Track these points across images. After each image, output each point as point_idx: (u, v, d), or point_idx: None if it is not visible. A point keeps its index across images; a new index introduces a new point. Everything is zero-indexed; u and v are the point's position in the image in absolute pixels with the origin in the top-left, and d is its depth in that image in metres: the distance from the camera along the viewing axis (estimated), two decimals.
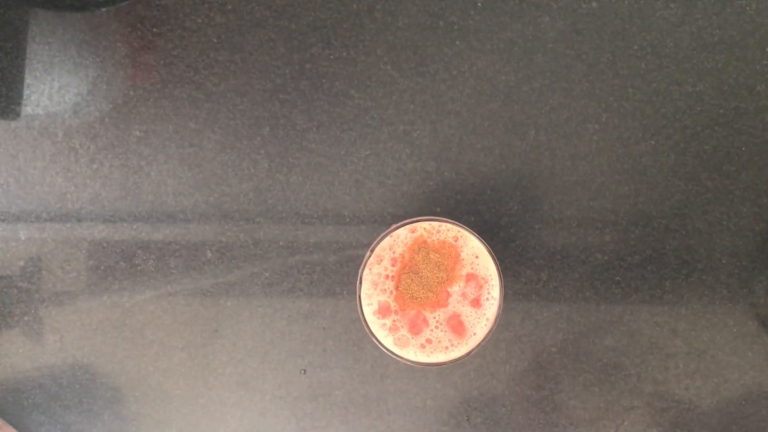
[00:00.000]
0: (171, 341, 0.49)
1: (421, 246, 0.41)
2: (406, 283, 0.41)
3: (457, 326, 0.41)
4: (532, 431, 0.48)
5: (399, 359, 0.41)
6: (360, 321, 0.41)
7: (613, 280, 0.48)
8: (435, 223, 0.41)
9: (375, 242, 0.41)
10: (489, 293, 0.41)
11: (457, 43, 0.48)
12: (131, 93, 0.49)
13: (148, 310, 0.49)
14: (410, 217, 0.42)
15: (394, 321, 0.41)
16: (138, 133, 0.49)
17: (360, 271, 0.41)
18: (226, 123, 0.49)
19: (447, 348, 0.41)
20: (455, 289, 0.41)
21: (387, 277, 0.41)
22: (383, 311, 0.41)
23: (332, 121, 0.49)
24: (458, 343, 0.41)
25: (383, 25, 0.48)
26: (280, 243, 0.49)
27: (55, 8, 0.48)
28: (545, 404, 0.49)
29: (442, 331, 0.41)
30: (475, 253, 0.41)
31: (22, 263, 0.49)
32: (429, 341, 0.41)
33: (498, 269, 0.41)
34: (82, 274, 0.49)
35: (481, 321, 0.41)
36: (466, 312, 0.41)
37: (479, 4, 0.48)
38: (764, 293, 0.48)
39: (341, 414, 0.49)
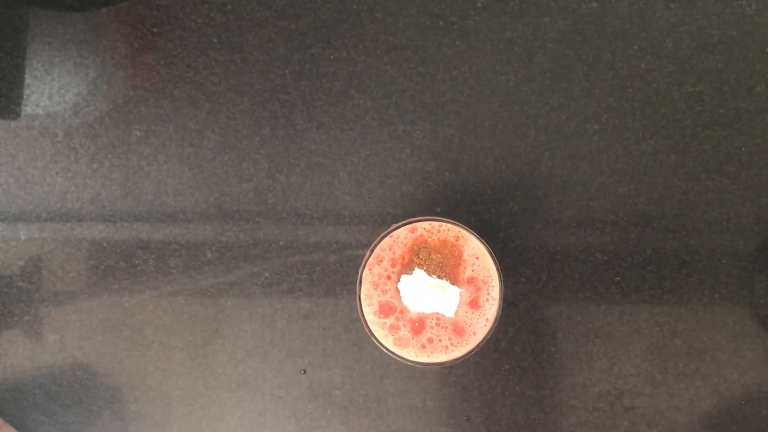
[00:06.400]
0: (171, 341, 0.49)
1: (421, 246, 0.41)
2: None
3: (457, 326, 0.41)
4: (531, 431, 0.48)
5: (399, 359, 0.41)
6: (360, 321, 0.41)
7: (613, 280, 0.48)
8: (435, 223, 0.41)
9: (375, 242, 0.41)
10: (489, 294, 0.41)
11: (457, 43, 0.48)
12: (131, 93, 0.49)
13: (148, 310, 0.49)
14: (410, 217, 0.42)
15: (395, 321, 0.41)
16: (138, 133, 0.49)
17: (360, 271, 0.41)
18: (226, 123, 0.49)
19: (447, 348, 0.41)
20: None
21: (387, 277, 0.41)
22: (383, 311, 0.41)
23: (332, 121, 0.49)
24: (458, 343, 0.41)
25: (383, 25, 0.48)
26: (280, 243, 0.49)
27: (55, 8, 0.48)
28: (545, 404, 0.49)
29: (442, 331, 0.41)
30: (475, 254, 0.41)
31: (22, 263, 0.49)
32: (429, 341, 0.41)
33: (498, 270, 0.41)
34: (82, 274, 0.49)
35: (481, 321, 0.41)
36: (466, 312, 0.41)
37: (479, 4, 0.48)
38: (764, 293, 0.48)
39: (341, 414, 0.49)
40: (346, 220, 0.48)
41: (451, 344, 0.41)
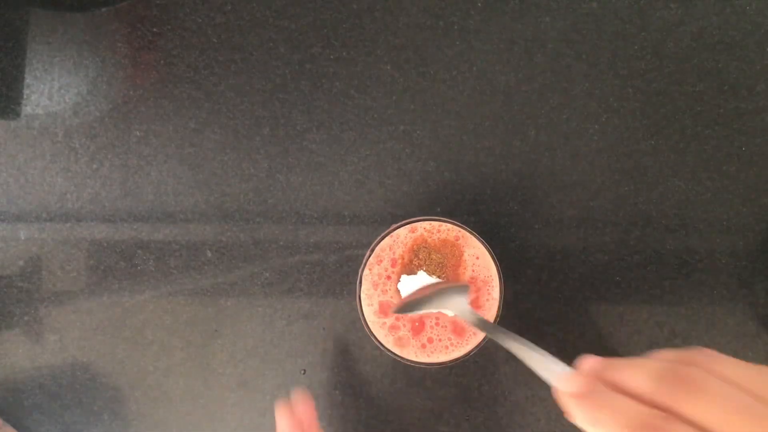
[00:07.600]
0: (171, 341, 0.49)
1: (421, 246, 0.41)
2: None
3: (457, 326, 0.41)
4: (531, 431, 0.48)
5: (399, 359, 0.41)
6: (360, 321, 0.41)
7: (613, 280, 0.48)
8: (435, 223, 0.41)
9: (375, 242, 0.41)
10: (489, 294, 0.41)
11: (457, 43, 0.48)
12: (131, 93, 0.49)
13: (148, 310, 0.49)
14: (410, 217, 0.42)
15: (395, 321, 0.41)
16: (138, 133, 0.49)
17: (360, 271, 0.41)
18: (226, 123, 0.49)
19: (447, 348, 0.41)
20: None
21: (387, 277, 0.41)
22: (383, 311, 0.41)
23: (332, 121, 0.49)
24: (458, 343, 0.41)
25: (383, 25, 0.48)
26: (280, 243, 0.49)
27: (55, 8, 0.48)
28: (545, 404, 0.49)
29: (442, 330, 0.41)
30: (475, 254, 0.41)
31: (22, 263, 0.49)
32: (430, 341, 0.41)
33: (498, 270, 0.41)
34: (82, 274, 0.49)
35: None
36: None
37: (479, 4, 0.48)
38: (764, 293, 0.48)
39: (341, 414, 0.49)
40: (346, 220, 0.48)
41: (451, 344, 0.41)
